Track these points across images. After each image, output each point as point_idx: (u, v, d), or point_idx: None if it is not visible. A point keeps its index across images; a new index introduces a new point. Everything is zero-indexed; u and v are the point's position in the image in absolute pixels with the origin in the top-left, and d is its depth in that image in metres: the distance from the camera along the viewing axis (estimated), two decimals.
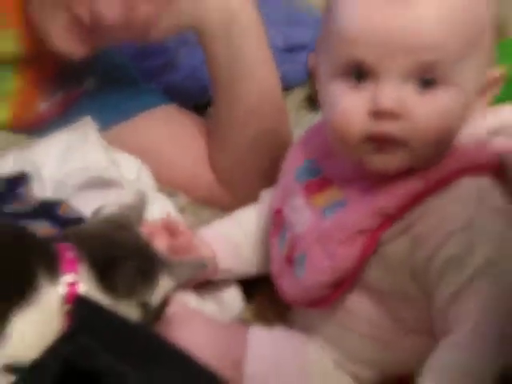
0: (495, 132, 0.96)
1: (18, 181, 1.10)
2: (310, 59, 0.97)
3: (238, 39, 1.16)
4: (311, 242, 0.92)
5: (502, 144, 0.95)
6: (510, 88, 1.36)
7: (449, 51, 0.85)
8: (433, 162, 0.86)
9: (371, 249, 0.88)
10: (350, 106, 0.85)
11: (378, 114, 0.83)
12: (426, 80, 0.84)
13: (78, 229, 0.93)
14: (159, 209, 1.07)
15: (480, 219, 0.87)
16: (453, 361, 0.84)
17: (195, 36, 1.20)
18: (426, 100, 0.84)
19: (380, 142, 0.84)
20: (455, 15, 0.86)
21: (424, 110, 0.84)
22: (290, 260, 0.95)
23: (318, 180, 0.97)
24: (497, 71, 0.90)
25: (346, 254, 0.89)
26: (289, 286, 0.95)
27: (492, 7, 0.92)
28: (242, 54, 1.16)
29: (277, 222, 0.99)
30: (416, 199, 0.86)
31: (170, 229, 1.01)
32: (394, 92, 0.83)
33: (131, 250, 0.89)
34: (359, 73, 0.84)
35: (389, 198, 0.87)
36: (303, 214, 0.96)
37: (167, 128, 1.22)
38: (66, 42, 1.15)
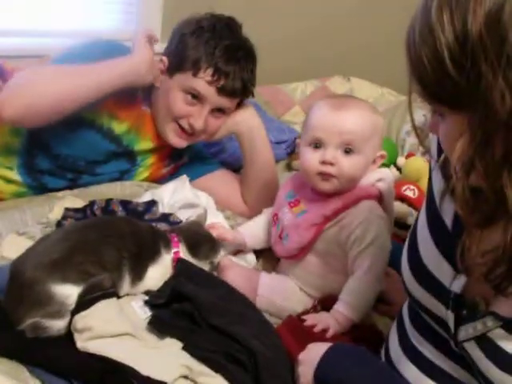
0: (378, 180, 1.39)
1: (151, 204, 1.62)
2: (298, 140, 1.44)
3: (254, 138, 1.76)
4: (291, 229, 1.39)
5: (381, 186, 1.39)
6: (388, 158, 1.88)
7: (358, 136, 1.32)
8: (347, 190, 1.34)
9: (318, 234, 1.35)
10: (312, 158, 1.33)
11: (324, 162, 1.30)
12: (347, 149, 1.31)
13: (179, 226, 1.44)
14: (217, 218, 1.62)
15: (370, 219, 1.32)
16: (355, 286, 1.29)
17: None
18: (347, 159, 1.31)
19: (324, 176, 1.32)
20: (363, 120, 1.33)
21: (346, 163, 1.31)
22: (280, 237, 1.43)
23: (295, 200, 1.42)
24: (381, 152, 1.37)
25: (306, 235, 1.36)
26: (280, 249, 1.43)
27: (382, 120, 1.39)
28: (256, 145, 1.73)
29: (275, 219, 1.46)
30: (340, 210, 1.34)
31: (216, 227, 1.50)
32: (332, 153, 1.30)
33: (205, 236, 1.41)
34: (316, 143, 1.33)
35: (327, 208, 1.34)
36: (287, 216, 1.42)
37: (221, 180, 1.82)
38: (173, 138, 1.70)
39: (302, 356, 1.11)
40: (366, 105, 1.41)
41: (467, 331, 0.91)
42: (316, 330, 1.25)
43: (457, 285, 0.93)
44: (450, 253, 0.94)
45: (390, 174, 1.45)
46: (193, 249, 1.35)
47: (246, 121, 1.70)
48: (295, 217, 1.40)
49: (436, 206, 0.98)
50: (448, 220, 0.96)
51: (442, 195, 0.95)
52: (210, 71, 1.59)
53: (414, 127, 0.90)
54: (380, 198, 1.39)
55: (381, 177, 1.39)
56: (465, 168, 0.77)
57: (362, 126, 1.34)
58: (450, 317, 0.94)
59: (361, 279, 1.30)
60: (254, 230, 1.56)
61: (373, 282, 1.29)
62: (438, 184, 0.97)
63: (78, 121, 1.58)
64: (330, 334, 1.25)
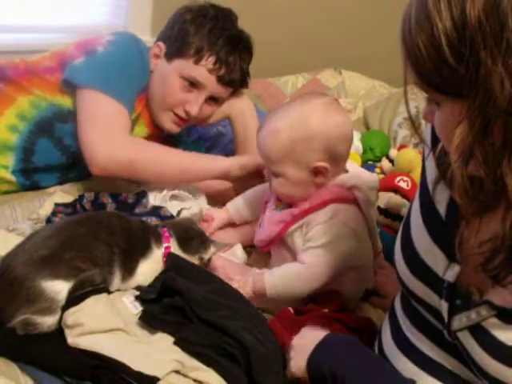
0: (353, 186, 1.35)
1: (142, 196, 1.62)
2: None
3: (248, 122, 1.80)
4: (266, 221, 1.43)
5: (357, 194, 1.35)
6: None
7: (271, 159, 1.35)
8: (307, 197, 1.35)
9: (283, 231, 1.37)
10: None
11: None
12: (271, 171, 1.37)
13: (171, 221, 1.45)
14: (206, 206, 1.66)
15: (329, 223, 1.31)
16: (289, 271, 1.33)
17: (226, 130, 1.84)
18: (274, 180, 1.38)
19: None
20: (274, 139, 1.33)
21: (274, 184, 1.38)
22: (260, 225, 1.46)
23: (278, 197, 1.44)
24: (323, 163, 1.31)
25: (274, 230, 1.39)
26: (256, 237, 1.46)
27: (320, 123, 1.31)
28: (249, 129, 1.77)
29: (264, 207, 1.48)
30: (307, 211, 1.35)
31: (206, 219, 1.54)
32: (268, 174, 1.40)
33: (196, 232, 1.41)
34: None
35: (296, 208, 1.37)
36: (271, 208, 1.44)
37: None
38: (169, 125, 1.73)
39: (295, 341, 1.12)
40: (290, 113, 1.35)
41: (461, 320, 0.92)
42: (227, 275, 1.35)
43: (450, 274, 0.93)
44: (443, 242, 0.95)
45: (369, 181, 1.40)
46: (184, 244, 1.36)
47: (239, 104, 1.76)
48: (275, 211, 1.42)
49: (429, 195, 0.98)
50: (442, 209, 0.96)
51: (435, 184, 0.95)
52: (212, 60, 1.63)
53: (410, 116, 0.90)
54: (357, 202, 1.37)
55: (355, 184, 1.36)
56: (464, 156, 0.76)
57: (275, 145, 1.33)
58: (443, 306, 0.94)
59: (296, 268, 1.32)
60: (239, 204, 1.60)
61: (306, 279, 1.30)
62: (432, 173, 0.97)
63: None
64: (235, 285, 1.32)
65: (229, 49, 1.64)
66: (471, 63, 0.72)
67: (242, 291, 1.31)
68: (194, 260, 1.38)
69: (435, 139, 0.93)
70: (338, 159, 1.34)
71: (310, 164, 1.31)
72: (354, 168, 1.44)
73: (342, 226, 1.32)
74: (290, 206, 1.39)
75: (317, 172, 1.32)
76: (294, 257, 1.38)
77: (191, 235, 1.38)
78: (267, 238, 1.40)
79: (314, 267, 1.30)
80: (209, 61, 1.63)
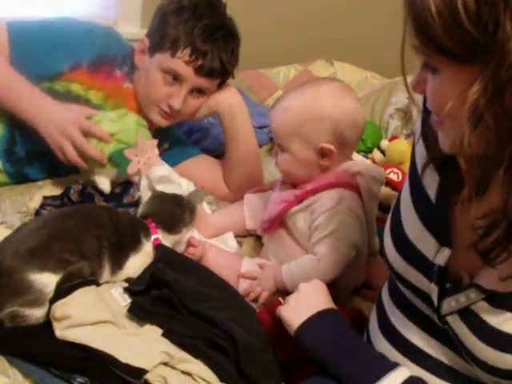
0: (356, 172, 1.37)
1: (128, 185, 1.59)
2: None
3: (236, 118, 1.72)
4: (271, 201, 1.46)
5: (359, 180, 1.37)
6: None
7: (279, 133, 1.39)
8: (309, 180, 1.38)
9: (285, 210, 1.39)
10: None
11: None
12: (279, 146, 1.41)
13: (152, 211, 1.40)
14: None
15: (336, 209, 1.33)
16: (304, 264, 1.33)
17: (217, 121, 1.79)
18: (280, 156, 1.40)
19: None
20: (287, 114, 1.36)
21: (279, 160, 1.41)
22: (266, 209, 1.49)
23: (283, 180, 1.48)
24: (329, 146, 1.34)
25: (276, 209, 1.42)
26: (260, 220, 1.49)
27: (331, 105, 1.34)
28: (237, 124, 1.73)
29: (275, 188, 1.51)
30: (309, 192, 1.38)
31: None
32: (276, 150, 1.44)
33: (177, 208, 1.40)
34: None
35: (298, 189, 1.40)
36: (278, 189, 1.48)
37: (202, 165, 1.82)
38: (157, 118, 1.68)
39: (292, 300, 1.13)
40: (304, 93, 1.38)
41: (450, 304, 0.92)
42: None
43: (441, 258, 0.94)
44: (434, 226, 0.95)
45: (374, 171, 1.42)
46: (172, 229, 1.37)
47: (227, 100, 1.71)
48: (279, 192, 1.45)
49: (419, 180, 0.98)
50: (432, 193, 0.96)
51: (424, 168, 0.95)
52: (187, 51, 1.58)
53: (406, 83, 0.86)
54: (359, 189, 1.39)
55: (358, 170, 1.38)
56: (472, 120, 0.74)
57: (285, 121, 1.36)
58: (433, 290, 0.95)
59: (311, 262, 1.32)
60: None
61: (320, 271, 1.30)
62: (421, 158, 0.97)
63: (53, 95, 1.58)
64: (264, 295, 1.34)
65: (205, 38, 1.59)
66: (489, 26, 0.70)
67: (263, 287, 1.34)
68: (190, 230, 1.44)
69: (424, 123, 0.93)
70: (344, 144, 1.36)
71: (316, 144, 1.34)
72: (360, 160, 1.47)
73: (348, 211, 1.34)
74: (293, 186, 1.42)
75: (323, 154, 1.35)
76: (293, 240, 1.40)
77: (176, 216, 1.39)
78: (268, 217, 1.42)
79: (326, 257, 1.31)
80: (184, 52, 1.59)
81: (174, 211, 1.40)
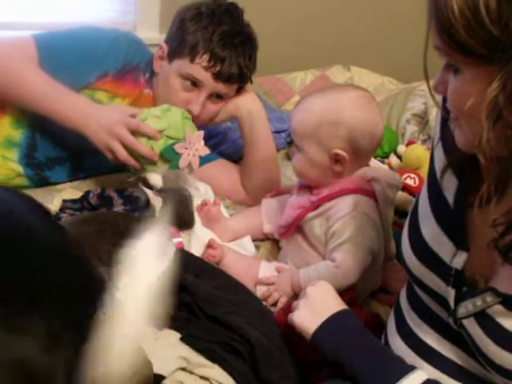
0: (372, 179, 1.38)
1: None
2: None
3: (255, 123, 1.72)
4: (287, 206, 1.46)
5: (375, 186, 1.38)
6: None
7: (297, 132, 1.40)
8: (325, 184, 1.39)
9: (301, 216, 1.39)
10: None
11: None
12: (296, 145, 1.42)
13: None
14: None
15: (352, 215, 1.34)
16: (322, 270, 1.33)
17: (234, 126, 1.81)
18: (295, 155, 1.42)
19: None
20: (307, 115, 1.37)
21: (294, 160, 1.43)
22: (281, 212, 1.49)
23: (300, 185, 1.48)
24: (343, 152, 1.35)
25: (291, 215, 1.42)
26: (277, 225, 1.49)
27: (352, 111, 1.35)
28: (256, 131, 1.73)
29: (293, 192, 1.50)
30: (325, 198, 1.38)
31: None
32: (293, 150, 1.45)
33: (184, 208, 1.48)
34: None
35: (314, 195, 1.41)
36: (295, 194, 1.48)
37: (220, 169, 1.81)
38: None
39: (303, 305, 1.13)
40: (327, 97, 1.39)
41: (467, 307, 0.93)
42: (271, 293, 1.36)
43: (458, 261, 0.94)
44: (451, 229, 0.96)
45: (390, 177, 1.42)
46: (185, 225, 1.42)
47: (247, 105, 1.71)
48: (296, 197, 1.45)
49: (438, 184, 0.98)
50: (450, 196, 0.96)
51: (443, 171, 0.96)
52: (206, 57, 1.59)
53: (428, 84, 0.87)
54: (375, 195, 1.40)
55: (374, 176, 1.39)
56: (491, 117, 0.75)
57: (304, 121, 1.38)
58: (450, 293, 0.95)
59: (329, 269, 1.33)
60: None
61: (339, 278, 1.30)
62: (440, 161, 0.98)
63: None
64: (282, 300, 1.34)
65: (223, 44, 1.60)
66: (509, 25, 0.70)
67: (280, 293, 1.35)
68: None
69: (443, 127, 0.94)
70: (358, 153, 1.36)
71: (330, 149, 1.35)
72: (377, 165, 1.48)
73: (364, 217, 1.34)
74: (310, 192, 1.42)
75: (336, 160, 1.35)
76: (310, 246, 1.40)
77: (185, 215, 1.44)
78: (284, 223, 1.43)
79: (344, 263, 1.31)
80: (203, 58, 1.60)
81: (183, 211, 1.44)
